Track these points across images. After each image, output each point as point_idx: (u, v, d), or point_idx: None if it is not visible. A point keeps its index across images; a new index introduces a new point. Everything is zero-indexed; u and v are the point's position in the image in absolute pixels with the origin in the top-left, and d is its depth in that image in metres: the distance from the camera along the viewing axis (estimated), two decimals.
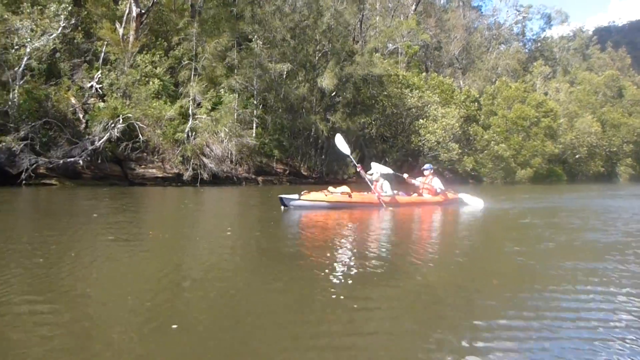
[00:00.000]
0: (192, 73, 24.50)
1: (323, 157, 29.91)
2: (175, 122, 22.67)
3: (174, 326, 3.22)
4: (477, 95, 42.23)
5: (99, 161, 20.58)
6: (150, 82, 22.99)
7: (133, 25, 23.88)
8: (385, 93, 32.33)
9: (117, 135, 20.42)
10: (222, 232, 7.83)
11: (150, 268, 5.05)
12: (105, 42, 23.07)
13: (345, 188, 11.91)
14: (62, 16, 20.75)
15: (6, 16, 19.88)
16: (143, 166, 22.31)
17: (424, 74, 41.37)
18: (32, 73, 20.57)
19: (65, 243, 6.27)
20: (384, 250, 6.43)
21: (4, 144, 18.31)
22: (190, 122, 23.01)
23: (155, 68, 23.60)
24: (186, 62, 24.94)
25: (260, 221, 9.80)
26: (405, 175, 14.24)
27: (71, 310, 3.57)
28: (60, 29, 20.66)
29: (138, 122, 21.16)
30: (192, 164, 22.54)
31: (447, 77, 42.64)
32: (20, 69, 19.66)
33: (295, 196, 11.15)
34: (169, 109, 22.45)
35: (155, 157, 22.55)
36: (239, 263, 5.48)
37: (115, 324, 3.33)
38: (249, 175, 25.28)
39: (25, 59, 19.74)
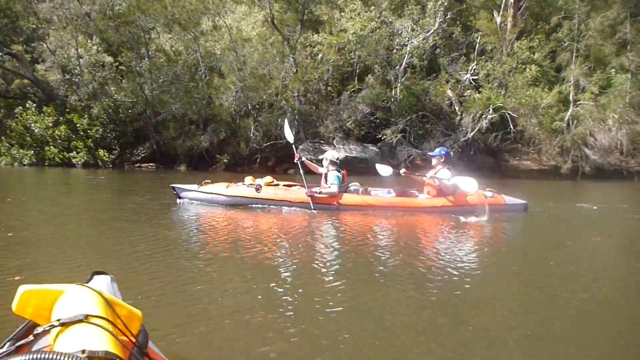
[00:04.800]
0: (574, 54, 22.10)
1: None
2: (553, 110, 20.82)
3: None
4: None
5: (471, 152, 20.45)
6: (527, 69, 21.66)
7: (510, 11, 22.93)
8: None
9: (487, 125, 19.89)
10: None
11: None
12: (482, 33, 22.79)
13: (268, 178, 9.17)
14: (439, 12, 21.33)
15: (390, 20, 21.57)
16: (517, 158, 21.26)
17: None
18: (413, 70, 21.84)
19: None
20: None
21: (385, 137, 19.94)
22: (570, 109, 20.81)
23: (533, 54, 22.13)
24: (567, 43, 22.65)
25: None
26: (402, 171, 9.49)
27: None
28: (437, 24, 21.28)
29: (510, 112, 20.18)
30: (572, 155, 20.35)
31: None
32: (402, 67, 21.05)
33: (194, 186, 9.19)
34: (546, 96, 20.73)
35: (530, 148, 21.19)
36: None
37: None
38: None
39: (406, 57, 21.04)
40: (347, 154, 20.11)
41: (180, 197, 9.35)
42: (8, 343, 1.32)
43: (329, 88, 21.99)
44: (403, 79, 21.13)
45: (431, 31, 21.31)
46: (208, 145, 21.64)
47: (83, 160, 21.46)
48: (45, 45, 24.45)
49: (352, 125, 21.01)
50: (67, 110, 22.51)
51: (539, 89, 21.10)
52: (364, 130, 21.13)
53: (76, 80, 23.51)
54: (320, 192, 8.81)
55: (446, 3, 21.30)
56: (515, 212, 8.87)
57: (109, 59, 23.89)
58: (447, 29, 22.82)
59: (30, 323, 1.41)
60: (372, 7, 21.92)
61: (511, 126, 20.26)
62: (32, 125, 21.83)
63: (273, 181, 9.18)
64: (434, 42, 22.03)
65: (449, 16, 21.99)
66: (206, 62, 22.61)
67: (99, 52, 23.89)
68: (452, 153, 9.94)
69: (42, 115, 22.16)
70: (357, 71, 22.39)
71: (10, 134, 22.35)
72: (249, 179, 9.23)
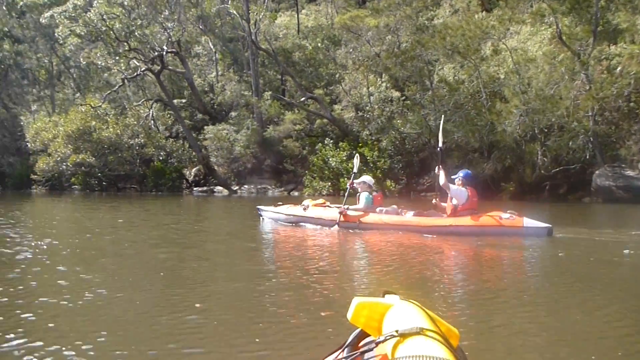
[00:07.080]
0: None
1: None
2: None
3: None
4: None
5: None
6: None
7: None
8: None
9: None
10: None
11: None
12: None
13: (319, 201, 11.23)
14: None
15: None
16: None
17: None
18: None
19: None
20: None
21: None
22: None
23: None
24: None
25: None
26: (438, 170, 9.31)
27: None
28: None
29: None
30: None
31: None
32: None
33: (271, 207, 11.61)
34: None
35: None
36: None
37: None
38: None
39: None
40: None
41: (260, 215, 11.84)
42: (347, 349, 1.44)
43: (631, 104, 19.22)
44: None
45: None
46: (492, 172, 20.98)
47: None
48: (341, 87, 27.07)
49: None
50: (360, 144, 24.39)
51: None
52: None
53: (367, 116, 25.40)
54: (348, 209, 10.10)
55: None
56: (536, 237, 8.49)
57: (396, 94, 25.28)
58: None
59: (360, 332, 1.50)
60: None
61: None
62: (330, 159, 24.28)
63: (325, 203, 11.04)
64: None
65: None
66: (488, 88, 22.06)
67: (387, 88, 25.48)
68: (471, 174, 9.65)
69: (338, 150, 24.49)
70: None
71: (312, 168, 25.26)
72: (307, 201, 11.12)
